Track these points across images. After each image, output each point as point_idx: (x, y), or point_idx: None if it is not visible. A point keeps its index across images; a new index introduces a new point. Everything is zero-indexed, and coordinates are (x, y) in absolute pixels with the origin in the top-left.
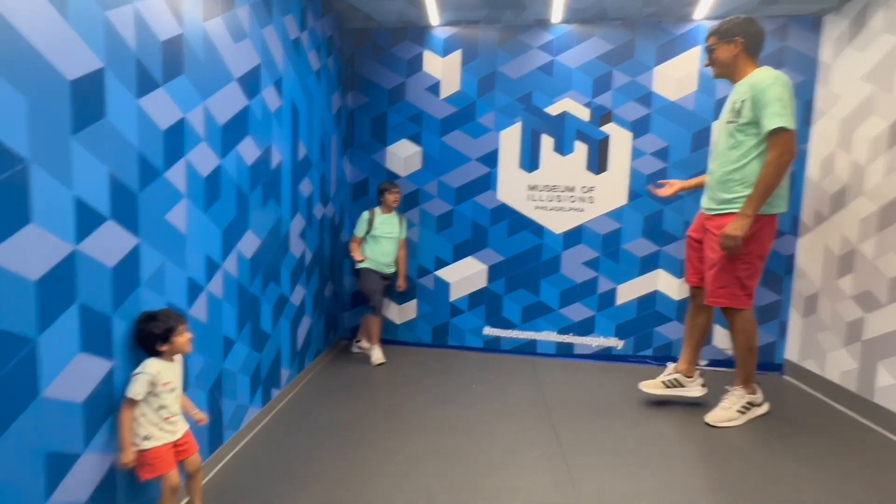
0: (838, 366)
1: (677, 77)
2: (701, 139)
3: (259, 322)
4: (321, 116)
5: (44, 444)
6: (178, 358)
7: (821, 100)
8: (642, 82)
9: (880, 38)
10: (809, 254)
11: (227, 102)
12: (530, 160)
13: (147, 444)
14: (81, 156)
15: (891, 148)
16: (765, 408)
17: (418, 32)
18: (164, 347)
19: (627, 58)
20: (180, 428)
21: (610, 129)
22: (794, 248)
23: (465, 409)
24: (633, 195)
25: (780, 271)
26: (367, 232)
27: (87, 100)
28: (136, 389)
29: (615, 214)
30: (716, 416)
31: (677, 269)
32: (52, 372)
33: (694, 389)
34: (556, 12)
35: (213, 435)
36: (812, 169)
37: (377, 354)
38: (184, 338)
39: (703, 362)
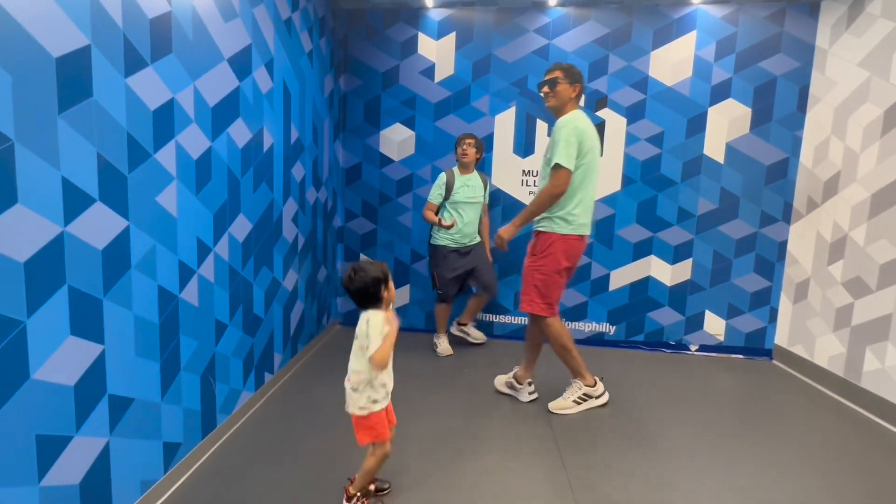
0: (827, 351)
1: (673, 62)
2: (696, 125)
3: (251, 306)
4: (313, 99)
5: (35, 427)
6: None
7: (816, 86)
8: (638, 67)
9: (878, 24)
10: (801, 240)
11: (218, 83)
12: (525, 145)
13: (376, 407)
14: (68, 135)
15: (885, 135)
16: (603, 399)
17: (413, 14)
18: (386, 293)
19: (624, 42)
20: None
21: (605, 114)
22: (786, 234)
23: (458, 393)
24: (627, 181)
25: (772, 258)
26: (446, 199)
27: (73, 78)
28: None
29: (609, 200)
30: (555, 404)
31: (670, 256)
32: (42, 355)
33: (523, 395)
34: None
35: (206, 419)
36: (805, 156)
37: (444, 345)
38: (392, 284)
39: (693, 347)
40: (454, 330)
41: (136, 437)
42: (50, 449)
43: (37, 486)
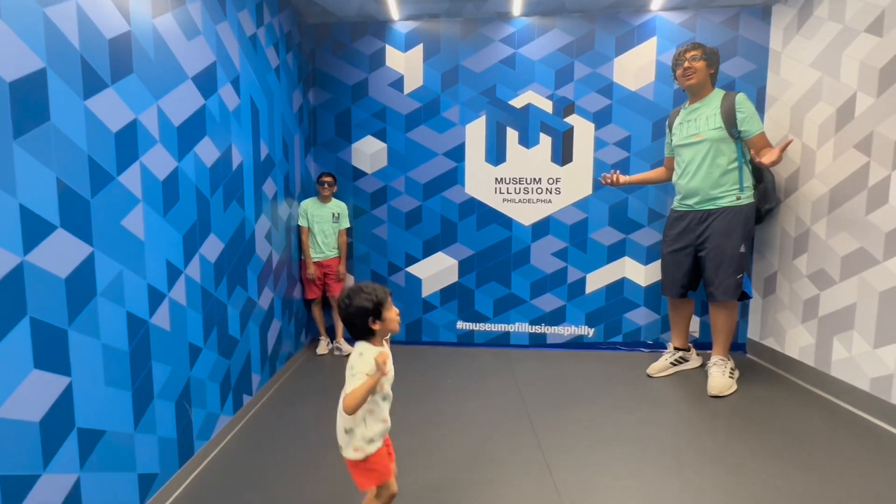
0: (797, 342)
1: (636, 67)
2: (661, 128)
3: (226, 328)
4: (283, 114)
5: (0, 467)
6: (387, 342)
7: (772, 87)
8: (603, 73)
9: (825, 26)
10: (767, 236)
11: (183, 102)
12: (496, 153)
13: (371, 448)
14: (25, 161)
15: (838, 132)
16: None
17: (379, 27)
18: (377, 325)
19: (588, 49)
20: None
21: (573, 120)
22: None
23: (442, 404)
24: (598, 185)
25: None
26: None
27: (28, 102)
28: (368, 366)
29: (581, 205)
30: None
31: (643, 257)
32: (4, 391)
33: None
34: (517, 5)
35: (182, 446)
36: None
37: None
38: (393, 312)
39: (670, 345)
40: (657, 369)
41: (109, 471)
42: (16, 490)
43: None
